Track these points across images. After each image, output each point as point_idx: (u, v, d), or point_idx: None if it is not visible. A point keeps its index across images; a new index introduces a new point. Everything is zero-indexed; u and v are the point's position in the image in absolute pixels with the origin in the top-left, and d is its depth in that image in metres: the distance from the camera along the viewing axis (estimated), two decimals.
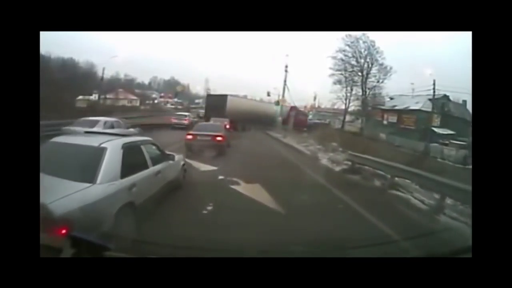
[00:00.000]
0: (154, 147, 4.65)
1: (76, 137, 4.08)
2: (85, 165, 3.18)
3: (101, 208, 2.92)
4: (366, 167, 9.04)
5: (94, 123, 9.81)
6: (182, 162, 5.85)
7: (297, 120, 26.76)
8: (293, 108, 28.55)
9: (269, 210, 4.89)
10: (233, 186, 6.26)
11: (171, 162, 5.00)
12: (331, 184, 7.34)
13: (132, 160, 3.69)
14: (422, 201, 6.33)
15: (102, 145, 3.43)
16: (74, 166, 3.21)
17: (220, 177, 7.06)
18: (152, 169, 4.19)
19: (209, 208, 4.71)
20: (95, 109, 23.83)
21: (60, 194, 2.64)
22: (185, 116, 22.45)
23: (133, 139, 4.31)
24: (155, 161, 4.36)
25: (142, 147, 4.21)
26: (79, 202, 2.71)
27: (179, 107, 37.95)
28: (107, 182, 3.10)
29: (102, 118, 10.72)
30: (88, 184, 2.93)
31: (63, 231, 2.34)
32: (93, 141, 3.57)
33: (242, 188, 6.16)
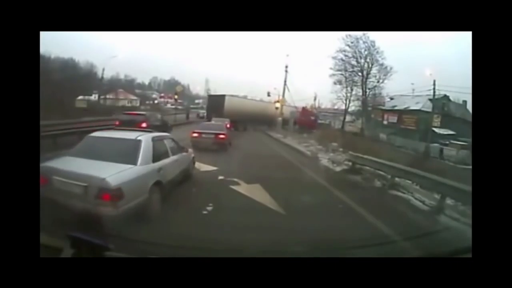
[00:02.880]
0: (172, 141, 5.63)
1: (111, 132, 5.10)
2: (128, 152, 4.14)
3: (141, 182, 3.93)
4: (367, 168, 9.03)
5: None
6: (192, 155, 6.81)
7: (308, 121, 27.27)
8: (304, 109, 29.49)
9: (269, 210, 4.89)
10: (233, 187, 6.26)
11: (184, 153, 6.01)
12: (331, 185, 7.33)
13: (158, 150, 4.69)
14: (423, 202, 6.33)
15: (138, 138, 4.44)
16: (120, 153, 4.13)
17: (220, 177, 7.06)
18: (172, 158, 5.17)
19: (209, 208, 4.71)
20: (95, 109, 23.87)
21: (113, 172, 3.62)
22: None
23: (158, 134, 5.24)
24: (174, 152, 5.36)
25: (165, 140, 5.25)
26: (127, 177, 3.70)
27: (179, 107, 37.95)
28: (144, 164, 4.13)
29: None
30: (131, 165, 3.94)
31: (115, 197, 3.42)
32: (130, 135, 4.60)
33: (242, 188, 6.15)
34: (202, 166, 7.75)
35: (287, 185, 6.78)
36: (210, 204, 4.82)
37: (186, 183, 5.92)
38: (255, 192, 5.82)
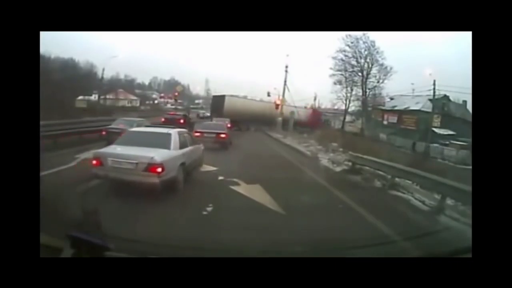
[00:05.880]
0: (189, 135, 7.26)
1: (144, 128, 7.23)
2: (163, 141, 5.80)
3: (174, 161, 5.54)
4: (367, 168, 9.02)
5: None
6: (202, 147, 8.11)
7: (317, 122, 28.48)
8: (315, 110, 31.54)
9: (269, 211, 4.89)
10: (233, 187, 6.26)
11: (197, 145, 7.54)
12: (331, 185, 7.34)
13: (182, 140, 6.28)
14: (423, 202, 6.33)
15: (168, 132, 6.16)
16: (156, 141, 5.76)
17: (220, 177, 7.06)
18: (190, 147, 6.68)
19: (209, 208, 4.71)
20: (95, 109, 23.88)
21: (157, 153, 5.25)
22: None
23: (180, 129, 6.86)
24: (191, 144, 6.84)
25: (185, 134, 6.86)
26: (166, 156, 5.34)
27: (179, 107, 37.96)
28: (174, 149, 5.80)
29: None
30: (166, 150, 5.62)
31: (159, 170, 4.98)
32: (161, 130, 6.50)
33: (242, 188, 6.16)
34: (202, 166, 7.75)
35: (287, 185, 6.78)
36: (210, 205, 4.82)
37: (186, 184, 5.94)
38: (255, 192, 5.82)
